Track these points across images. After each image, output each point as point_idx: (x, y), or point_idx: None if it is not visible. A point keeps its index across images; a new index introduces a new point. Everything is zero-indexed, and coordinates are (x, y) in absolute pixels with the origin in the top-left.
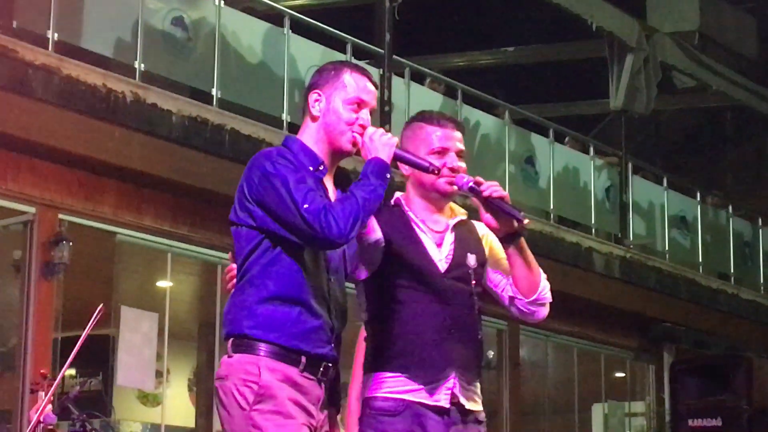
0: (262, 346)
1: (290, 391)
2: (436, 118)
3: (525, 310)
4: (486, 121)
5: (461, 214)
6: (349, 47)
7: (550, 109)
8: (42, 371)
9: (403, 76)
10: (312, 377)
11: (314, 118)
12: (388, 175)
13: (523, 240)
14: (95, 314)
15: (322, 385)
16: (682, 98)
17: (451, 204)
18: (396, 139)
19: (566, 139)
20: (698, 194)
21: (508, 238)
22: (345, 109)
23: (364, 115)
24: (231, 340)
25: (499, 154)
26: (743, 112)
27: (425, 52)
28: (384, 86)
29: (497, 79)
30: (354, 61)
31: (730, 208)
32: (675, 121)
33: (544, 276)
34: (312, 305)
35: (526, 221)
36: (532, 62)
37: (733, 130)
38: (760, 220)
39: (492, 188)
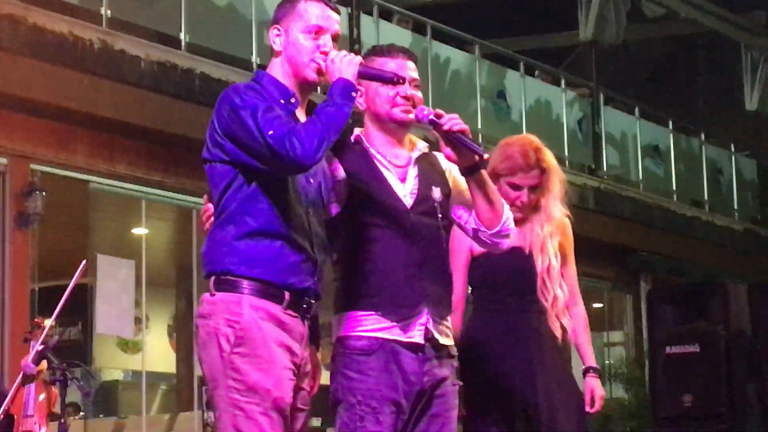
0: (246, 283)
1: (274, 330)
2: (386, 50)
3: (488, 241)
4: (456, 57)
5: (422, 147)
6: None
7: (520, 42)
8: (36, 320)
9: (371, 14)
10: (295, 314)
11: (277, 54)
12: (354, 94)
13: (484, 173)
14: (79, 270)
15: (305, 322)
16: (651, 27)
17: (410, 136)
18: (359, 58)
19: (536, 72)
20: (670, 123)
21: (468, 171)
22: (305, 38)
23: (324, 41)
24: (213, 278)
25: (470, 89)
26: (714, 39)
27: None
28: (353, 25)
29: (466, 13)
30: None
31: (703, 135)
32: (645, 50)
33: (506, 207)
34: (294, 238)
35: (485, 155)
36: None
37: (703, 58)
38: (732, 147)
39: (452, 121)
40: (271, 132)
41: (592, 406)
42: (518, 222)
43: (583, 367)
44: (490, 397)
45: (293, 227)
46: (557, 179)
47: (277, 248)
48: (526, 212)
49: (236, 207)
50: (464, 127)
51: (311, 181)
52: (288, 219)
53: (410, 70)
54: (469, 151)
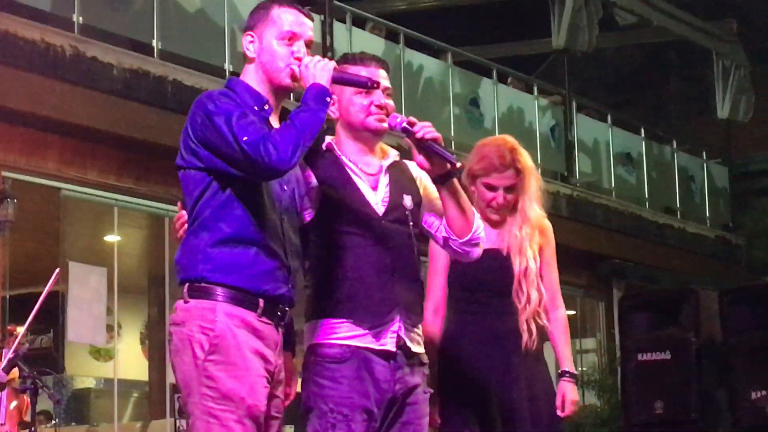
0: (220, 290)
1: (248, 337)
2: (359, 58)
3: (459, 250)
4: (429, 64)
5: (394, 155)
6: None
7: (493, 50)
8: (9, 328)
9: (344, 22)
10: (269, 321)
11: (251, 60)
12: (329, 99)
13: (455, 181)
14: (52, 278)
15: (279, 330)
16: (624, 35)
17: (382, 144)
18: (333, 63)
19: (509, 79)
20: (642, 130)
21: (440, 180)
22: (278, 44)
23: (298, 47)
24: (187, 285)
25: (443, 96)
26: (685, 47)
27: None
28: (326, 32)
29: (439, 21)
30: None
31: (675, 143)
32: (618, 58)
33: (477, 216)
34: (268, 245)
35: (458, 164)
36: (473, 3)
37: (675, 66)
38: (704, 154)
39: (425, 129)
40: (245, 138)
41: (563, 410)
42: (495, 224)
43: (559, 370)
44: (468, 401)
45: (267, 234)
46: (533, 180)
47: (252, 255)
48: (503, 213)
49: (210, 214)
50: (437, 135)
51: (285, 188)
52: (262, 226)
53: (383, 78)
54: (441, 159)
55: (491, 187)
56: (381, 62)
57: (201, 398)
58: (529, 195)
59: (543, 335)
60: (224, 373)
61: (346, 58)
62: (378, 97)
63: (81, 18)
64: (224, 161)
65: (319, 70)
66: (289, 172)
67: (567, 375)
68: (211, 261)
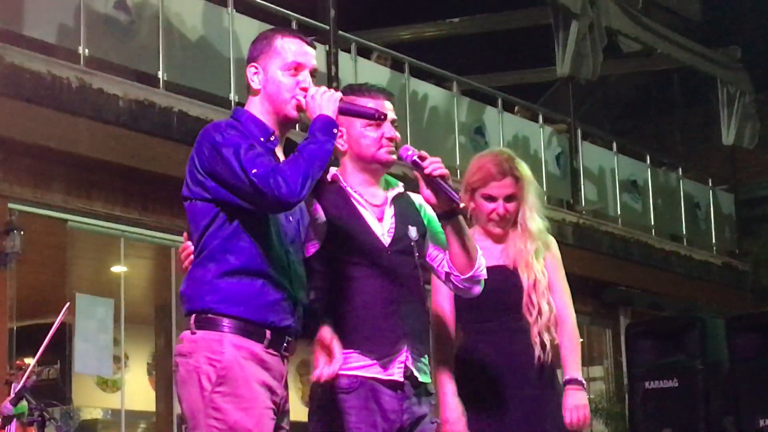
0: (227, 322)
1: (255, 369)
2: (366, 90)
3: (460, 286)
4: (434, 93)
5: (398, 187)
6: (293, 24)
7: (498, 78)
8: (17, 362)
9: (349, 51)
10: (276, 353)
11: (256, 92)
12: (336, 131)
13: (461, 219)
14: (62, 311)
15: (285, 361)
16: (628, 62)
17: (385, 176)
18: (339, 94)
19: (515, 108)
20: (648, 158)
21: (445, 216)
22: (283, 75)
23: (303, 77)
24: (194, 316)
25: (448, 125)
26: (689, 74)
27: (371, 27)
28: (330, 62)
29: (444, 51)
30: None
31: (680, 170)
32: (622, 85)
33: (480, 253)
34: (274, 277)
35: (462, 205)
36: (478, 32)
37: (680, 93)
38: (710, 181)
39: (434, 165)
40: (254, 171)
41: (571, 420)
42: (498, 239)
43: (565, 378)
44: (483, 423)
45: (274, 266)
46: (533, 189)
47: (258, 287)
48: (505, 226)
49: (217, 245)
50: (445, 172)
51: (291, 219)
52: (269, 257)
53: (389, 110)
54: (447, 196)
55: (490, 198)
56: (387, 93)
57: (208, 429)
58: (529, 205)
59: (556, 354)
60: (231, 405)
61: (352, 89)
62: (388, 129)
63: (87, 50)
64: (232, 193)
65: (326, 101)
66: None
67: (573, 383)
68: (218, 292)
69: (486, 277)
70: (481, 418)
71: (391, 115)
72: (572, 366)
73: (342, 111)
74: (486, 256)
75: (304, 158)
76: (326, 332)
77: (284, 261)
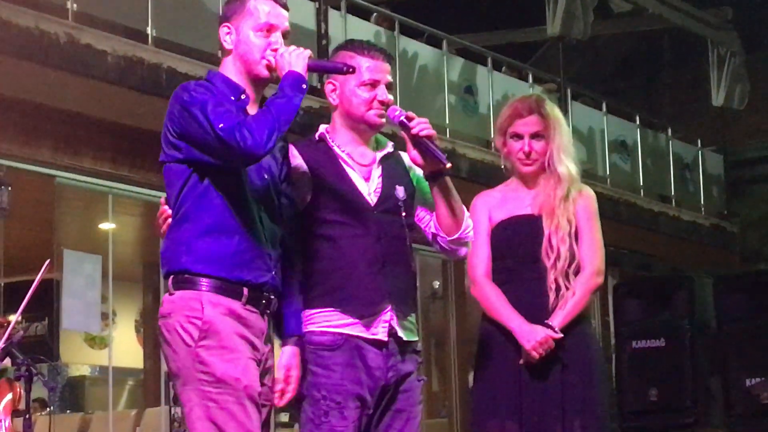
0: (204, 281)
1: (235, 325)
2: (366, 49)
3: (447, 247)
4: (424, 52)
5: (388, 147)
6: None
7: (488, 38)
8: (0, 319)
9: (339, 9)
10: (255, 309)
11: (228, 52)
12: (305, 86)
13: (447, 180)
14: (43, 268)
15: (265, 317)
16: (618, 23)
17: (376, 135)
18: (309, 52)
19: (503, 67)
20: (637, 118)
21: (432, 177)
22: (255, 36)
23: (275, 38)
24: (171, 277)
25: (438, 84)
26: (680, 35)
27: None
28: (320, 20)
29: (434, 9)
30: None
31: (670, 131)
32: (612, 46)
33: (467, 215)
34: (249, 234)
35: (448, 165)
36: None
37: (670, 54)
38: (699, 142)
39: (420, 125)
40: (221, 125)
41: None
42: (531, 184)
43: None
44: (498, 384)
45: (247, 222)
46: (562, 130)
47: (234, 244)
48: (534, 166)
49: (191, 204)
50: (432, 132)
51: (265, 176)
52: (242, 214)
53: (387, 73)
54: (433, 157)
55: (517, 136)
56: (387, 55)
57: (198, 383)
58: (557, 146)
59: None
60: (216, 358)
61: (353, 45)
62: (382, 92)
63: (75, 5)
64: (201, 150)
65: (295, 58)
66: (265, 160)
67: (548, 327)
68: (194, 252)
69: (473, 239)
70: (499, 377)
71: (388, 78)
72: (558, 314)
73: (311, 68)
74: (516, 205)
75: (271, 112)
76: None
77: (256, 217)
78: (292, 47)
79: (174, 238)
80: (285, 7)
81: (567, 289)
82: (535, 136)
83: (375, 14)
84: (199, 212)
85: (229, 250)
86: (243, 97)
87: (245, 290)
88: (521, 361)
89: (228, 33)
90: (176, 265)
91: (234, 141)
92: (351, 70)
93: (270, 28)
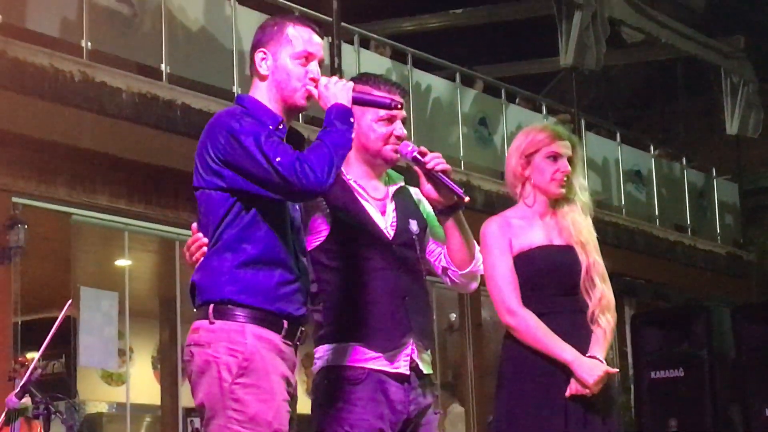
0: (247, 312)
1: (275, 360)
2: (383, 83)
3: (457, 281)
4: (437, 85)
5: (399, 181)
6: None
7: (501, 69)
8: (20, 359)
9: (352, 43)
10: (290, 343)
11: (263, 78)
12: (352, 119)
13: (461, 213)
14: (64, 309)
15: (296, 351)
16: (631, 53)
17: (389, 170)
18: (351, 84)
19: (517, 99)
20: (651, 148)
21: (446, 211)
22: (293, 64)
23: (313, 67)
24: (212, 306)
25: (451, 116)
26: (693, 64)
27: (374, 18)
28: (333, 54)
29: (447, 42)
30: None
31: (684, 160)
32: (625, 75)
33: (478, 249)
34: (290, 266)
35: (466, 198)
36: (481, 23)
37: (683, 83)
38: (714, 171)
39: (435, 160)
40: (278, 159)
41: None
42: (548, 207)
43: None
44: (538, 414)
45: (287, 254)
46: (581, 163)
47: (276, 276)
48: (564, 189)
49: (234, 235)
50: (447, 167)
51: (297, 207)
52: (284, 246)
53: (403, 108)
54: (449, 191)
55: (556, 156)
56: (402, 89)
57: (227, 421)
58: (578, 177)
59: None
60: (252, 396)
61: (368, 79)
62: (399, 127)
63: (89, 43)
64: (252, 182)
65: (340, 90)
66: None
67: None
68: (237, 282)
69: (482, 273)
70: (547, 410)
71: (403, 113)
72: (598, 349)
73: (355, 101)
74: (542, 233)
75: (327, 146)
76: None
77: (293, 250)
78: (335, 78)
79: (213, 267)
80: (320, 35)
81: (599, 324)
82: (569, 160)
83: (374, 43)
84: (242, 243)
85: (272, 282)
86: (281, 127)
87: (285, 323)
88: (568, 393)
89: (264, 59)
90: (217, 294)
91: (294, 177)
92: (398, 105)
93: (308, 56)
